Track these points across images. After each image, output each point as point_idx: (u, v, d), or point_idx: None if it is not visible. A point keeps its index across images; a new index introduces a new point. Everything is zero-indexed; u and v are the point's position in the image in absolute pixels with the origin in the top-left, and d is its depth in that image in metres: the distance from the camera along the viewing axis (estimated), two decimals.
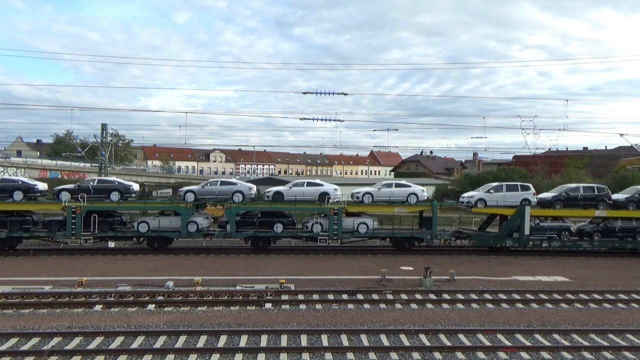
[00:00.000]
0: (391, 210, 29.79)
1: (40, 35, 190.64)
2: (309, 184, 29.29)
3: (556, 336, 14.33)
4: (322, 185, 29.46)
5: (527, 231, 28.17)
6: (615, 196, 30.25)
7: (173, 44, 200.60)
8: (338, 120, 33.98)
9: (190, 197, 27.92)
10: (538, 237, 28.66)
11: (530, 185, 30.40)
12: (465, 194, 31.05)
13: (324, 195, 28.64)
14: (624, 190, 31.47)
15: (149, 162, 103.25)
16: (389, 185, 29.85)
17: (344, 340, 13.70)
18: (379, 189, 29.46)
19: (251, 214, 28.51)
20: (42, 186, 28.86)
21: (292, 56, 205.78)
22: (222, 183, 29.02)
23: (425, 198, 29.83)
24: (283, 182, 32.31)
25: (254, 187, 29.84)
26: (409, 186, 29.92)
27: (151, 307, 16.62)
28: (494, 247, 29.57)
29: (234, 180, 31.98)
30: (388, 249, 29.40)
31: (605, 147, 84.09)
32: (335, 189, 29.43)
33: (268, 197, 28.70)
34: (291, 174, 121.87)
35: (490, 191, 29.82)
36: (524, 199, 29.11)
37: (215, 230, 28.91)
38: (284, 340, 13.60)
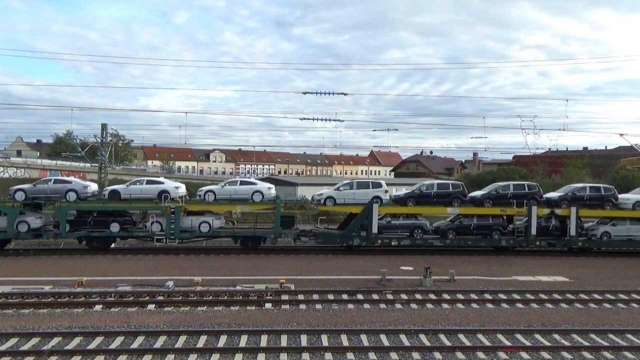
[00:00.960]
0: (233, 209, 29.43)
1: (40, 35, 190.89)
2: (149, 182, 28.52)
3: (556, 336, 14.33)
4: (162, 183, 28.64)
5: (375, 229, 27.68)
6: (472, 194, 30.11)
7: (172, 44, 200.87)
8: (338, 120, 34.03)
9: (19, 196, 26.98)
10: (387, 236, 28.26)
11: (383, 183, 29.93)
12: (317, 192, 30.54)
13: (162, 194, 27.71)
14: (487, 187, 31.10)
15: (149, 162, 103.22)
16: (234, 183, 29.35)
17: (344, 340, 13.70)
18: (222, 186, 29.00)
19: (86, 213, 27.62)
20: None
21: (292, 56, 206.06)
22: (56, 182, 28.07)
23: (273, 196, 28.96)
24: (283, 182, 32.31)
25: (91, 184, 29.05)
26: (255, 184, 29.48)
27: (151, 307, 16.61)
28: (344, 246, 28.92)
29: (69, 178, 30.59)
30: (388, 250, 29.39)
31: (605, 147, 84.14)
32: (270, 188, 29.15)
33: (104, 195, 28.11)
34: (291, 173, 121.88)
35: (340, 189, 29.33)
36: (374, 196, 28.60)
37: (49, 231, 27.51)
38: (284, 340, 13.59)
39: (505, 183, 31.08)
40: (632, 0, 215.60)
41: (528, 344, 13.75)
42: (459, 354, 12.88)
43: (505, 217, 29.80)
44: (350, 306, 17.13)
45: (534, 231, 28.31)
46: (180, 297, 17.77)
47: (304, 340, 13.65)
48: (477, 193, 30.33)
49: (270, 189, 29.19)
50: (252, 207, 29.06)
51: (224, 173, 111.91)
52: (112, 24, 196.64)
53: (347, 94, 42.33)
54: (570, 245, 29.30)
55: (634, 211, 29.26)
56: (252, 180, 31.75)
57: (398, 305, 17.31)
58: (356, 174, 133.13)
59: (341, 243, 28.82)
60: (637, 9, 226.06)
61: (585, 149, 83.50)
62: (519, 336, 14.25)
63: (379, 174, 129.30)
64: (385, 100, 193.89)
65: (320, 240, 28.80)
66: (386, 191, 29.44)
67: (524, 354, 13.00)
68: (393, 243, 28.34)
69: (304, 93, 33.50)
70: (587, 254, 29.54)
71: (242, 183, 29.43)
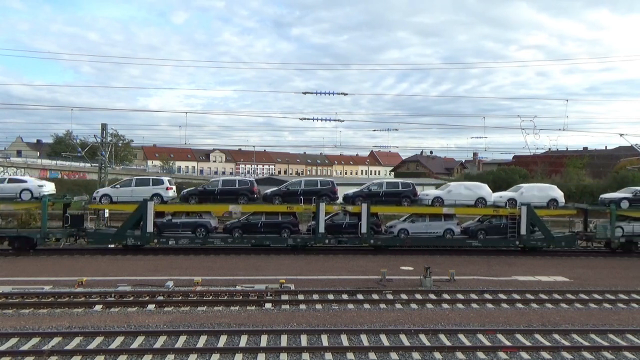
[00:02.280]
0: None
1: (39, 35, 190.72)
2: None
3: (556, 336, 14.32)
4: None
5: (150, 228, 26.76)
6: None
7: (171, 44, 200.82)
8: (338, 120, 34.05)
9: None
10: (167, 235, 27.33)
11: (165, 179, 29.03)
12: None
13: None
14: (289, 182, 30.26)
15: (149, 162, 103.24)
16: (1, 181, 27.98)
17: (344, 340, 13.69)
18: None
19: None
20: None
21: (290, 56, 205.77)
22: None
23: (41, 195, 27.21)
24: (283, 182, 32.22)
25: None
26: (25, 181, 27.92)
27: (151, 307, 16.61)
28: (126, 246, 27.83)
29: None
30: (388, 250, 29.37)
31: (605, 147, 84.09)
32: (42, 186, 27.77)
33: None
34: (291, 174, 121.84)
35: (117, 186, 28.42)
36: (154, 194, 27.59)
37: None
38: (284, 340, 13.59)
39: (379, 181, 30.80)
40: (630, 1, 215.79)
41: (528, 344, 13.75)
42: (459, 354, 12.87)
43: (294, 215, 28.68)
44: (350, 306, 17.13)
45: (322, 229, 27.55)
46: (180, 297, 17.77)
47: (304, 340, 13.64)
48: (349, 192, 29.69)
49: (42, 187, 27.67)
50: (16, 206, 27.80)
51: (224, 173, 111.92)
52: (111, 24, 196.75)
53: (346, 94, 42.37)
54: (362, 242, 28.44)
55: (433, 207, 28.84)
56: (23, 178, 29.90)
57: (398, 305, 17.31)
58: (356, 174, 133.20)
59: (113, 242, 27.82)
60: (635, 9, 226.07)
61: (585, 149, 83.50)
62: (519, 336, 14.25)
63: (379, 174, 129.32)
64: (384, 100, 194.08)
65: (91, 240, 27.80)
66: (168, 188, 28.25)
67: (524, 354, 13.00)
68: (170, 242, 27.36)
69: (304, 93, 33.54)
70: (587, 254, 29.57)
71: (10, 181, 27.83)
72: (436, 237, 28.88)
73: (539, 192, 30.23)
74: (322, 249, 28.80)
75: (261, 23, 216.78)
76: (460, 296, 18.55)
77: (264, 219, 28.16)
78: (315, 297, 18.05)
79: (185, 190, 29.01)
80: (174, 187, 29.77)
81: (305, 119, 54.23)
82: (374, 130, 57.21)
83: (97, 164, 42.31)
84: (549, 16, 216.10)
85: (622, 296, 18.92)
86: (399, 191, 29.23)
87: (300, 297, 18.05)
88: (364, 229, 27.83)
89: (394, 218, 32.36)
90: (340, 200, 29.57)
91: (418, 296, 18.35)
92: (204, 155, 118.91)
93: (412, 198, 29.16)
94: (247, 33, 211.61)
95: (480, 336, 14.16)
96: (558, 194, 30.27)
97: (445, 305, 17.42)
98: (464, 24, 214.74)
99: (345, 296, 18.22)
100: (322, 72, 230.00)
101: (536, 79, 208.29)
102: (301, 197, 28.18)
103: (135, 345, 13.20)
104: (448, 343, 13.66)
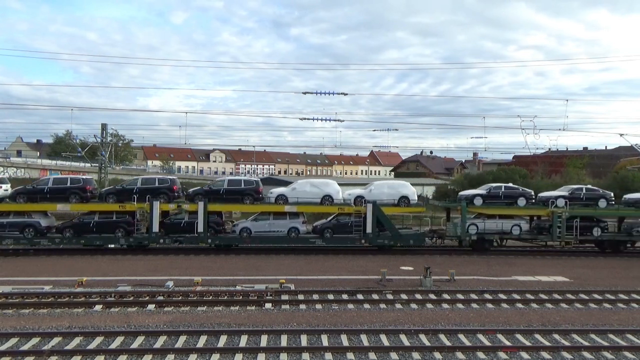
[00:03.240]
0: None
1: (38, 35, 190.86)
2: None
3: (556, 336, 14.32)
4: None
5: None
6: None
7: (171, 44, 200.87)
8: (338, 120, 34.08)
9: None
10: None
11: None
12: None
13: None
14: (212, 182, 29.67)
15: (149, 162, 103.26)
16: None
17: (344, 340, 13.69)
18: None
19: None
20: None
21: (289, 56, 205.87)
22: None
23: None
24: (283, 182, 32.28)
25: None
26: None
27: (151, 307, 16.61)
28: None
29: None
30: (388, 250, 29.35)
31: (605, 147, 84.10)
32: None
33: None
34: (291, 174, 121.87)
35: None
36: None
37: None
38: (284, 340, 13.59)
39: (221, 179, 30.52)
40: (629, 1, 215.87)
41: (528, 344, 13.74)
42: (459, 354, 12.87)
43: (129, 214, 27.55)
44: (350, 306, 17.13)
45: (155, 228, 26.91)
46: (180, 297, 17.76)
47: (304, 340, 13.64)
48: (194, 190, 29.38)
49: None
50: None
51: (224, 173, 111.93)
52: (110, 24, 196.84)
53: (346, 94, 42.40)
54: (199, 242, 27.85)
55: (276, 205, 28.34)
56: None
57: (398, 305, 17.31)
58: (356, 174, 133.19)
59: None
60: (634, 9, 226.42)
61: (585, 149, 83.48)
62: (519, 336, 14.24)
63: (379, 174, 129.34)
64: (384, 100, 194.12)
65: None
66: None
67: (524, 354, 12.99)
68: None
69: (304, 93, 33.56)
70: (587, 254, 29.56)
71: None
72: (281, 236, 28.21)
73: (389, 189, 29.48)
74: (322, 249, 28.80)
75: (260, 23, 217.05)
76: (460, 296, 18.54)
77: (97, 219, 27.34)
78: (315, 297, 18.04)
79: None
80: (9, 184, 28.71)
81: (305, 119, 54.28)
82: (374, 130, 57.33)
83: (97, 164, 42.35)
84: (547, 16, 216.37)
85: (622, 296, 18.91)
86: (241, 189, 28.39)
87: (300, 297, 18.04)
88: (200, 228, 27.10)
89: (247, 216, 31.06)
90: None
91: (418, 296, 18.35)
92: (204, 155, 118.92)
93: (255, 196, 28.37)
94: (246, 33, 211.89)
95: (480, 336, 14.15)
96: (410, 191, 29.45)
97: (445, 305, 17.41)
98: (463, 24, 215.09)
99: (345, 296, 18.21)
100: (321, 72, 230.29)
101: (535, 79, 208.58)
102: (135, 196, 27.23)
103: (135, 345, 13.19)
104: (448, 343, 13.66)
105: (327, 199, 28.74)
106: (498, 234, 29.25)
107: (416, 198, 30.01)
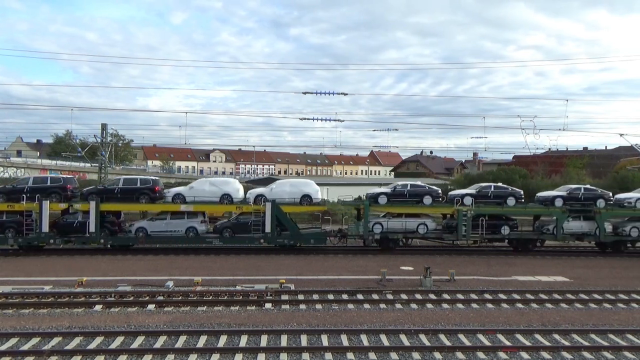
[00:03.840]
0: None
1: (38, 35, 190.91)
2: None
3: (556, 336, 14.33)
4: None
5: None
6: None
7: (170, 45, 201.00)
8: (338, 120, 34.02)
9: None
10: None
11: None
12: None
13: None
14: (110, 181, 29.21)
15: (149, 162, 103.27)
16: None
17: (344, 340, 13.69)
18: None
19: None
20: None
21: (289, 56, 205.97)
22: None
23: None
24: None
25: None
26: None
27: (151, 307, 16.61)
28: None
29: None
30: (389, 250, 29.36)
31: (605, 147, 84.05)
32: None
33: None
34: (291, 174, 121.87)
35: None
36: None
37: None
38: (284, 340, 13.59)
39: (117, 178, 30.28)
40: (627, 1, 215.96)
41: (528, 344, 13.75)
42: (459, 354, 12.87)
43: (20, 214, 26.66)
44: (350, 306, 17.13)
45: (45, 228, 26.31)
46: (180, 297, 17.76)
47: (304, 340, 13.64)
48: (88, 189, 28.56)
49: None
50: None
51: (224, 173, 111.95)
52: (110, 24, 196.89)
53: (347, 94, 42.38)
54: (90, 242, 27.48)
55: (173, 205, 27.85)
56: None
57: (398, 305, 17.31)
58: (356, 174, 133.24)
59: None
60: (632, 9, 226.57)
61: (585, 149, 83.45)
62: (519, 336, 14.25)
63: (379, 174, 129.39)
64: (383, 101, 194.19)
65: None
66: None
67: (524, 354, 13.00)
68: None
69: (304, 93, 33.54)
70: (587, 254, 29.55)
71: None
72: (178, 236, 27.81)
73: (291, 187, 28.94)
74: (322, 249, 28.81)
75: (259, 23, 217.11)
76: (460, 296, 18.54)
77: None
78: (315, 297, 18.04)
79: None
80: None
81: (305, 119, 53.89)
82: (374, 130, 57.24)
83: (97, 164, 42.33)
84: (546, 16, 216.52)
85: (622, 296, 18.91)
86: (136, 188, 27.77)
87: (300, 297, 18.04)
88: (92, 228, 26.64)
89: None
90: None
91: (418, 296, 18.35)
92: (204, 155, 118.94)
93: (152, 195, 27.72)
94: (246, 33, 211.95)
95: (480, 336, 14.16)
96: (312, 190, 28.84)
97: (445, 305, 17.41)
98: (462, 24, 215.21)
99: (345, 296, 18.22)
100: (321, 72, 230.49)
101: (535, 79, 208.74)
102: (24, 195, 26.63)
103: (135, 345, 13.20)
104: (448, 343, 13.66)
105: (226, 198, 28.14)
106: (402, 233, 28.78)
107: (320, 197, 29.38)
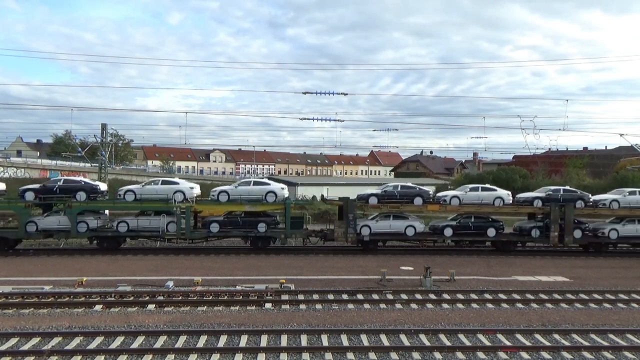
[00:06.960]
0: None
1: (35, 35, 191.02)
2: None
3: (556, 336, 14.33)
4: None
5: None
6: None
7: (167, 45, 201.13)
8: (338, 120, 34.03)
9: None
10: None
11: None
12: None
13: None
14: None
15: (149, 162, 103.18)
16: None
17: (344, 340, 13.70)
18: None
19: None
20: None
21: (286, 56, 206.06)
22: None
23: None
24: (284, 182, 32.17)
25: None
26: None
27: (151, 307, 16.61)
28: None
29: None
30: (388, 250, 29.35)
31: (605, 147, 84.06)
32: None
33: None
34: (291, 174, 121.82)
35: None
36: None
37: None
38: (284, 340, 13.60)
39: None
40: (622, 1, 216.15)
41: (528, 344, 13.75)
42: (459, 354, 12.88)
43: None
44: (350, 306, 17.13)
45: None
46: (180, 297, 17.76)
47: (304, 340, 13.65)
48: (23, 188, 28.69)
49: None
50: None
51: (224, 173, 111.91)
52: (107, 24, 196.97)
53: (346, 94, 42.62)
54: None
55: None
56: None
57: (398, 305, 17.31)
58: (356, 174, 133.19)
59: None
60: (627, 9, 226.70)
61: (585, 149, 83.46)
62: (519, 336, 14.25)
63: (379, 174, 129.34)
64: (381, 101, 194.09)
65: None
66: None
67: (524, 354, 13.00)
68: None
69: (304, 93, 33.53)
70: (587, 254, 29.55)
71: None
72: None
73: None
74: (322, 249, 28.80)
75: (256, 24, 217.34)
76: (460, 296, 18.54)
77: None
78: (315, 297, 18.04)
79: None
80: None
81: (305, 119, 54.34)
82: (374, 130, 57.32)
83: (97, 164, 42.34)
84: (542, 17, 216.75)
85: (622, 296, 18.92)
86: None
87: (300, 297, 18.04)
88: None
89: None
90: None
91: (418, 296, 18.35)
92: (204, 155, 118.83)
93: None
94: (243, 33, 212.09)
95: (480, 336, 14.16)
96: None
97: (445, 305, 17.41)
98: (458, 25, 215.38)
99: (345, 296, 18.22)
100: (319, 72, 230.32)
101: (532, 79, 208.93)
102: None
103: (135, 345, 13.20)
104: (448, 343, 13.66)
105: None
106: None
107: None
